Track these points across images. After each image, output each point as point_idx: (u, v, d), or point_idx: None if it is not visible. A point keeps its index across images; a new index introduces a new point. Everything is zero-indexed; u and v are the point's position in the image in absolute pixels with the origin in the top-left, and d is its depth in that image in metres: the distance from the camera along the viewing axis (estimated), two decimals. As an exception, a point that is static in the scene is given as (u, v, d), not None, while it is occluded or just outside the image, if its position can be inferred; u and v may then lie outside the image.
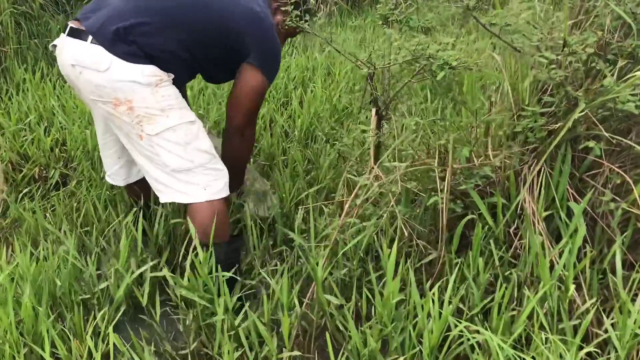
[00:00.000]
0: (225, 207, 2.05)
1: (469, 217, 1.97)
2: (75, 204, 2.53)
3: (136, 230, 2.16)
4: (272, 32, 2.06)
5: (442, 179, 1.97)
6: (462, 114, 2.21)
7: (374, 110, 2.08)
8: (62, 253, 2.07)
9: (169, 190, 1.98)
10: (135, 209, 2.29)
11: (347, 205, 1.91)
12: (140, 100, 1.85)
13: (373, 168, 2.01)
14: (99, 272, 2.10)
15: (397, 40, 1.74)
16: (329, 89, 3.73)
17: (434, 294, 1.74)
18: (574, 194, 2.08)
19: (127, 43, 1.83)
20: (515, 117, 2.19)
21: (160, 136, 1.90)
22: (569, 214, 2.01)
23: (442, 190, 1.95)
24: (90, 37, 1.84)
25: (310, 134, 3.39)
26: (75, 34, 1.88)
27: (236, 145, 2.18)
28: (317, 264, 1.85)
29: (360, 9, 6.22)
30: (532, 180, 2.11)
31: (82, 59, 1.84)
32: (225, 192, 2.03)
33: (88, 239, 2.27)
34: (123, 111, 1.87)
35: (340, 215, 1.96)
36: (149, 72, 1.86)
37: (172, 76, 1.95)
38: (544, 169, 2.08)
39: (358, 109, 2.08)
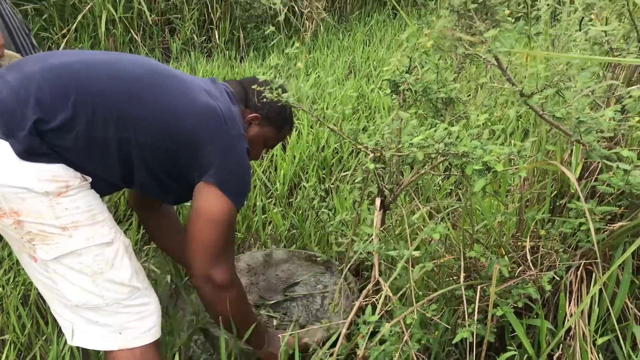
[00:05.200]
0: (157, 356, 1.51)
1: (510, 354, 1.49)
2: None
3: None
4: (241, 143, 1.55)
5: (469, 299, 1.50)
6: (491, 205, 1.73)
7: (378, 201, 1.59)
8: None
9: (74, 330, 1.46)
10: None
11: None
12: (32, 214, 1.33)
13: (378, 281, 1.52)
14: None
15: (417, 132, 1.25)
16: (316, 126, 3.25)
17: None
18: (637, 312, 1.63)
19: (26, 132, 1.29)
20: (558, 211, 1.73)
21: (58, 262, 1.38)
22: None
23: (470, 315, 1.47)
24: None
25: (294, 184, 2.91)
26: None
27: (212, 299, 1.55)
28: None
29: (347, 24, 5.73)
30: (580, 291, 1.65)
31: None
32: (153, 336, 1.50)
33: None
34: (8, 224, 1.34)
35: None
36: (48, 175, 1.32)
37: (88, 180, 1.42)
38: (596, 276, 1.63)
39: (361, 200, 1.57)
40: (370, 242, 1.54)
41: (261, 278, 2.17)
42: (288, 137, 1.83)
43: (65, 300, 1.42)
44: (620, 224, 1.55)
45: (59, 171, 1.34)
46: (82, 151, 1.37)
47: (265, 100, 1.57)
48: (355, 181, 1.54)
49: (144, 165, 1.47)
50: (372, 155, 1.46)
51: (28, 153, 1.29)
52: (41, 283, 1.44)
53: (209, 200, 1.48)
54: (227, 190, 1.48)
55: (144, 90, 1.44)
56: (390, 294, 1.44)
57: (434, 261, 1.61)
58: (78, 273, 1.39)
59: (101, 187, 1.47)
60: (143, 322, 1.48)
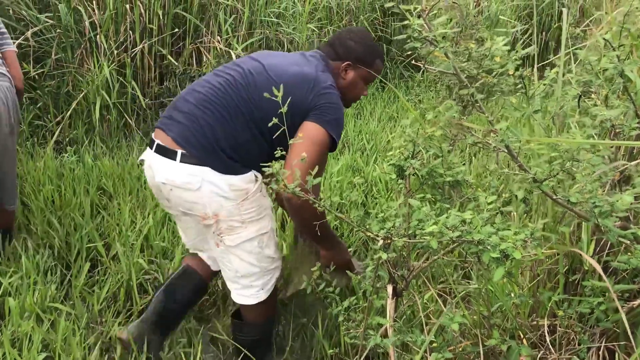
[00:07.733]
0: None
1: None
2: None
3: None
4: (330, 91, 1.93)
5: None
6: (504, 286, 1.69)
7: (390, 289, 1.55)
8: None
9: (233, 291, 2.06)
10: None
11: None
12: (226, 214, 1.88)
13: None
14: None
15: (428, 219, 1.23)
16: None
17: None
18: (664, 393, 1.56)
19: (218, 155, 1.83)
20: (572, 287, 1.70)
21: (237, 247, 1.94)
22: None
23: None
24: (179, 154, 1.83)
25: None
26: (162, 151, 1.87)
27: (310, 209, 1.69)
28: None
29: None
30: (604, 372, 1.59)
31: (172, 179, 1.85)
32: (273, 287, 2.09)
33: None
34: (209, 223, 1.90)
35: None
36: (236, 186, 1.86)
37: (259, 180, 1.92)
38: (619, 356, 1.57)
39: (370, 290, 1.53)
40: (384, 333, 1.49)
41: None
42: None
43: (234, 272, 2.00)
44: (639, 301, 1.52)
45: (242, 183, 1.87)
46: (250, 147, 1.88)
47: (351, 46, 2.03)
48: (367, 270, 1.50)
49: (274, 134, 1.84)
50: (382, 242, 1.43)
51: (226, 167, 1.84)
52: (218, 260, 2.03)
53: (310, 129, 1.87)
54: (322, 123, 1.88)
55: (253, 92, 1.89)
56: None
57: (451, 348, 1.55)
58: (249, 254, 1.96)
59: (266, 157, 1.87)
60: (273, 280, 2.07)
